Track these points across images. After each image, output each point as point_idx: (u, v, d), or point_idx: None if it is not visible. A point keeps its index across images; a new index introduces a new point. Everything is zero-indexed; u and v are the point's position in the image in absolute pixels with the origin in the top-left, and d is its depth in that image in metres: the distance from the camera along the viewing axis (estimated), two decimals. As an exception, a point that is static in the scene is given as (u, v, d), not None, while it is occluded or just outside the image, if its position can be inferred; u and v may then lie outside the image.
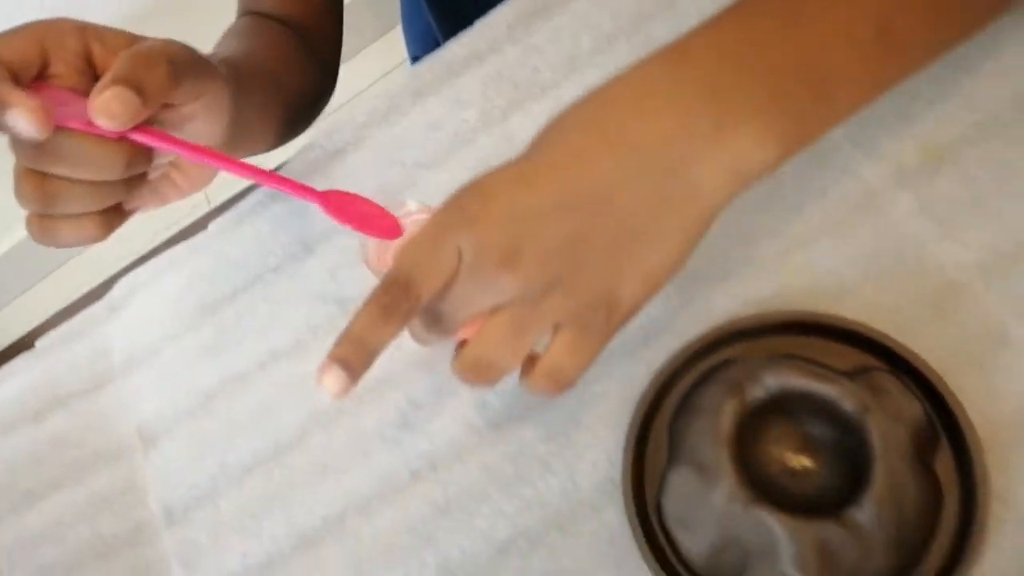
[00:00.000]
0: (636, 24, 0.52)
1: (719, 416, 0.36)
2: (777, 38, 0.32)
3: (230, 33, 0.60)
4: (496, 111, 0.54)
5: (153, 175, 0.46)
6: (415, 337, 0.38)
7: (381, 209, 0.40)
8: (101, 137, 0.38)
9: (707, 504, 0.36)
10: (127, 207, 0.44)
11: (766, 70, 0.32)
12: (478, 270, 0.33)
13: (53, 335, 0.61)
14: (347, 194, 0.41)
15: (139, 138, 0.38)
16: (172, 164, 0.47)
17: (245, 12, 0.64)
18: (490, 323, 0.34)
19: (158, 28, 0.47)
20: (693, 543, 0.38)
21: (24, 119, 0.34)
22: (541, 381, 0.35)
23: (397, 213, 0.42)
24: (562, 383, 0.35)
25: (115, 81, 0.36)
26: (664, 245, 0.33)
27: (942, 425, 0.39)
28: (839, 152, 0.45)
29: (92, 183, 0.39)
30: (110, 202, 0.41)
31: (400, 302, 0.33)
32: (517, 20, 0.55)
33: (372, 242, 0.41)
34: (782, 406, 0.37)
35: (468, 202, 0.33)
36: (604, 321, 0.34)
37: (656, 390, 0.42)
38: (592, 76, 0.52)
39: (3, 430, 0.59)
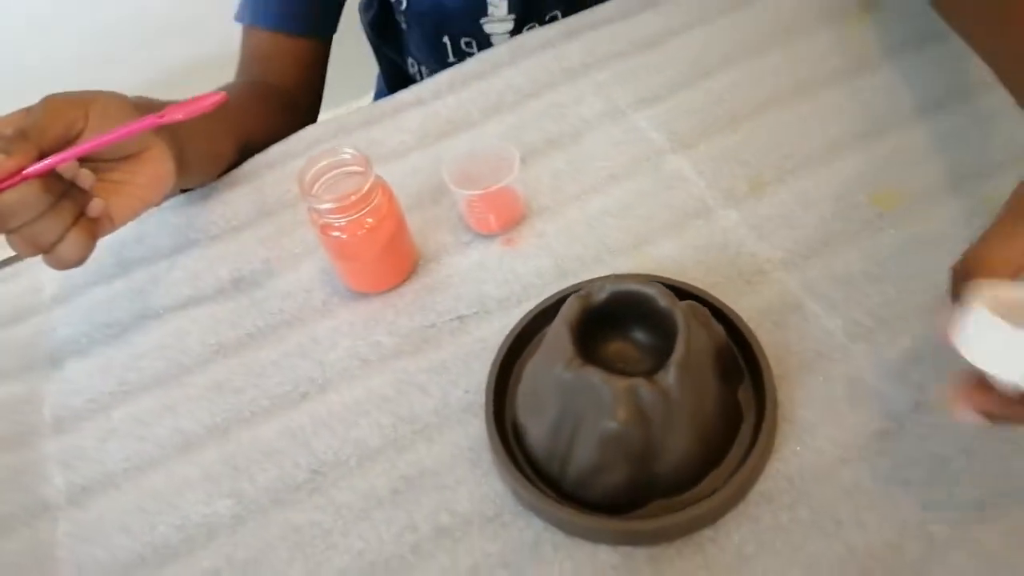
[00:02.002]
0: (547, 87, 0.66)
1: (568, 312, 0.45)
2: None
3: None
4: (429, 137, 0.66)
5: (87, 183, 0.52)
6: None
7: (205, 95, 0.50)
8: (11, 187, 0.47)
9: (550, 377, 0.43)
10: (92, 214, 0.52)
11: None
12: None
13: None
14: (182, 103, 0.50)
15: (32, 170, 0.47)
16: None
17: (241, 77, 0.77)
18: None
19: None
20: (538, 425, 0.45)
21: None
22: None
23: (331, 159, 0.53)
24: None
25: None
26: None
27: (746, 365, 0.48)
28: (687, 182, 0.58)
29: (45, 214, 0.48)
30: (70, 219, 0.50)
31: None
32: (457, 80, 0.69)
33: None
34: (617, 315, 0.46)
35: None
36: None
37: (521, 329, 0.51)
38: (511, 118, 0.65)
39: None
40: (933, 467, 0.43)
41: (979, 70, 0.57)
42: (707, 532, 0.43)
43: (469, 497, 0.47)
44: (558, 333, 0.44)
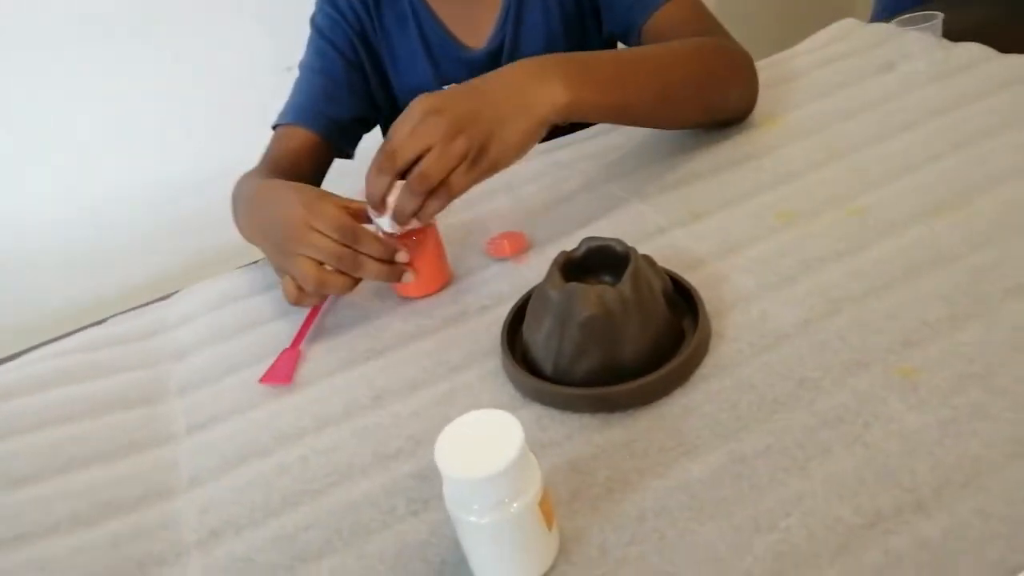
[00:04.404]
0: (541, 175, 0.91)
1: (557, 259, 0.65)
2: (601, 70, 0.74)
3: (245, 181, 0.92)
4: (460, 203, 0.89)
5: None
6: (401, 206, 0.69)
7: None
8: None
9: (545, 298, 0.63)
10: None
11: (583, 74, 0.73)
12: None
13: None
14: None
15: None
16: None
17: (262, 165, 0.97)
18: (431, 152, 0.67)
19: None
20: (537, 335, 0.64)
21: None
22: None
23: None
24: (456, 189, 0.69)
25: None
26: (515, 130, 0.69)
27: (688, 308, 0.67)
28: (648, 217, 0.80)
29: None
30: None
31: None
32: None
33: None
34: (590, 265, 0.66)
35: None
36: (482, 161, 0.68)
37: (528, 296, 0.71)
38: (519, 193, 0.89)
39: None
40: (813, 346, 0.61)
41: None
42: (662, 400, 0.60)
43: (489, 400, 0.65)
44: (550, 273, 0.65)
